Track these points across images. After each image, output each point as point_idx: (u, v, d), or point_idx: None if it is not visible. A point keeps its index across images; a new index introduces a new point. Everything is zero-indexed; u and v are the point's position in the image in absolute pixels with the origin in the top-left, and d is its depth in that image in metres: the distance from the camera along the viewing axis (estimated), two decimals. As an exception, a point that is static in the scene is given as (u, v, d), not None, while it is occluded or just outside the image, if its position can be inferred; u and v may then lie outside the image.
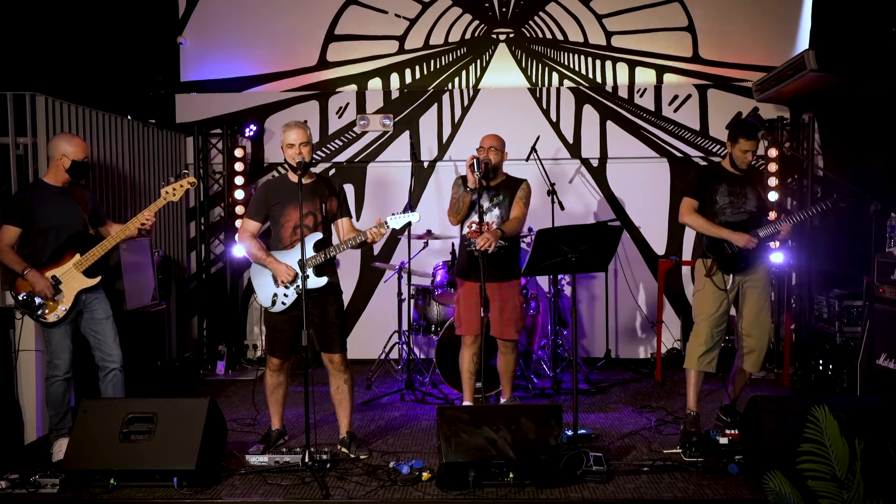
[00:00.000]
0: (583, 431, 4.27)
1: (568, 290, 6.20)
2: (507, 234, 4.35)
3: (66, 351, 4.07)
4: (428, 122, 6.60)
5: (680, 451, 4.03)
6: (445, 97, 6.60)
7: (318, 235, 4.00)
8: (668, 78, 6.56)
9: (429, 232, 5.82)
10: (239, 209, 6.32)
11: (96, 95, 5.59)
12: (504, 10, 6.63)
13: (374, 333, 6.19)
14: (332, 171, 6.63)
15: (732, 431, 4.01)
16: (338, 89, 6.65)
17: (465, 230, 4.49)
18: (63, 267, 4.03)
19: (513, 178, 4.54)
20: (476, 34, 6.65)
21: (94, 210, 4.25)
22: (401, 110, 6.59)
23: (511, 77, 6.64)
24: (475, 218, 4.38)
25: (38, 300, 3.97)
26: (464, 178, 4.37)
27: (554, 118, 6.54)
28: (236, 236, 4.66)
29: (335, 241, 4.13)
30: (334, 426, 4.31)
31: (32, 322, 4.28)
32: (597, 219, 6.49)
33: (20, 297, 3.98)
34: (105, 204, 5.34)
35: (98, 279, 4.11)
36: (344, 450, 4.11)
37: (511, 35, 6.64)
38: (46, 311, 3.99)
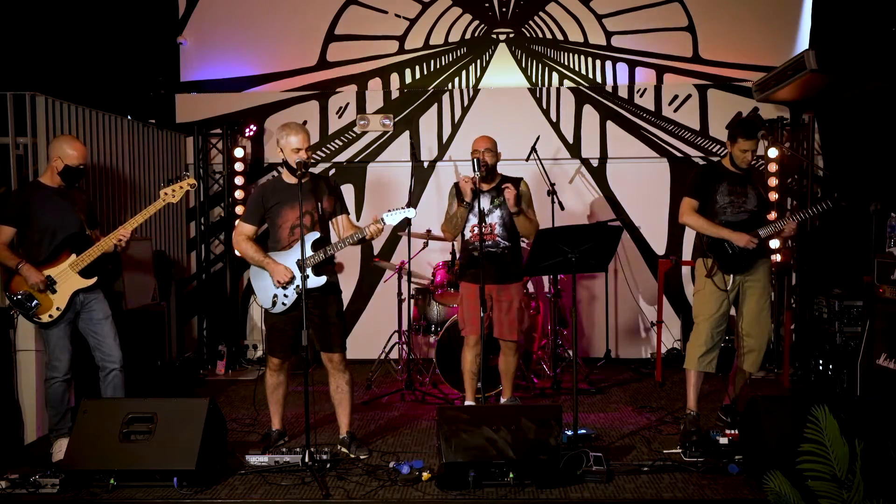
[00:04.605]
0: (583, 431, 4.26)
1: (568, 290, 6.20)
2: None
3: (65, 352, 4.06)
4: (428, 122, 6.59)
5: (680, 451, 4.03)
6: (445, 97, 6.60)
7: (316, 234, 3.99)
8: (668, 78, 6.56)
9: (429, 232, 5.82)
10: (239, 209, 6.31)
11: (96, 95, 5.58)
12: (504, 10, 6.63)
13: (374, 333, 6.19)
14: (332, 171, 6.63)
15: (732, 431, 4.02)
16: (338, 89, 6.64)
17: (468, 234, 4.51)
18: (59, 267, 4.01)
19: (508, 177, 4.55)
20: (476, 34, 6.65)
21: (89, 211, 4.24)
22: (401, 110, 6.59)
23: (511, 77, 6.63)
24: (475, 221, 4.39)
25: (33, 302, 3.95)
26: (458, 189, 4.39)
27: (554, 118, 6.53)
28: (232, 240, 4.67)
29: (333, 239, 4.13)
30: (334, 426, 4.31)
31: (32, 322, 4.28)
32: (597, 219, 6.48)
33: (15, 297, 3.97)
34: (104, 204, 5.34)
35: (94, 280, 4.08)
36: (344, 450, 4.11)
37: (511, 35, 6.63)
38: (39, 311, 3.97)
